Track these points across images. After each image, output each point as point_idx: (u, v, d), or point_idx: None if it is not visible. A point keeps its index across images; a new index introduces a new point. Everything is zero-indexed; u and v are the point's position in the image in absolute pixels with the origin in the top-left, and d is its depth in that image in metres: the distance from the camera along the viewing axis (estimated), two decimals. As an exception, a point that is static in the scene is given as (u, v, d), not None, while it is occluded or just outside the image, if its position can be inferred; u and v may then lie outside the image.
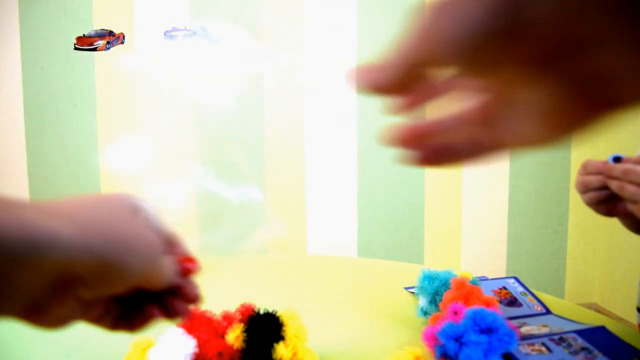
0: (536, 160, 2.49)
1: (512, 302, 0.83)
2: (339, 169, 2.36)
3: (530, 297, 0.85)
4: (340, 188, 2.37)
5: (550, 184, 2.51)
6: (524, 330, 0.71)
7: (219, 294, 0.93)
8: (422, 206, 2.44)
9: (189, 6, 2.19)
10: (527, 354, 0.61)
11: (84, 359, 0.67)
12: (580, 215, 2.50)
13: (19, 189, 2.16)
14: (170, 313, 0.42)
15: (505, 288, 0.87)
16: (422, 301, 0.75)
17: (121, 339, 0.65)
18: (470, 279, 0.73)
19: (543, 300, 0.84)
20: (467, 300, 0.64)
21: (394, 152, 0.35)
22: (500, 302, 0.82)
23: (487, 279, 0.91)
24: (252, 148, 2.30)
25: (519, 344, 0.63)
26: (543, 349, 0.63)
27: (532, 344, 0.64)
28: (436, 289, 0.73)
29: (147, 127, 2.22)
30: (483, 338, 0.59)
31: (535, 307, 0.81)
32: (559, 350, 0.62)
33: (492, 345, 0.59)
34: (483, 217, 2.50)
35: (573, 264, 2.58)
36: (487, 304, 0.65)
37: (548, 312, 0.80)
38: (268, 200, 2.32)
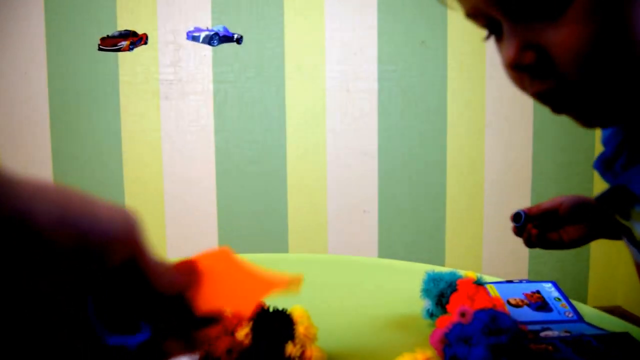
0: (559, 161, 2.45)
1: (542, 306, 0.81)
2: (360, 169, 2.36)
3: (563, 303, 0.82)
4: (361, 187, 2.37)
5: (574, 185, 2.47)
6: (543, 334, 0.70)
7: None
8: (444, 207, 2.43)
9: (211, 7, 2.22)
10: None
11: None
12: (605, 216, 2.45)
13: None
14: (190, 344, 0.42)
15: (538, 292, 0.85)
16: (428, 303, 0.75)
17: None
18: (475, 279, 0.72)
19: (578, 308, 0.81)
20: (473, 302, 0.64)
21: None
22: (529, 305, 0.80)
23: (523, 282, 0.89)
24: (273, 146, 2.31)
25: (527, 345, 0.62)
26: (550, 348, 0.62)
27: (541, 344, 0.63)
28: (441, 291, 0.72)
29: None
30: (492, 340, 0.59)
31: (567, 313, 0.79)
32: (567, 351, 0.62)
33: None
34: (505, 218, 2.47)
35: (596, 266, 2.53)
36: (495, 305, 0.64)
37: (580, 320, 0.78)
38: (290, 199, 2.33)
